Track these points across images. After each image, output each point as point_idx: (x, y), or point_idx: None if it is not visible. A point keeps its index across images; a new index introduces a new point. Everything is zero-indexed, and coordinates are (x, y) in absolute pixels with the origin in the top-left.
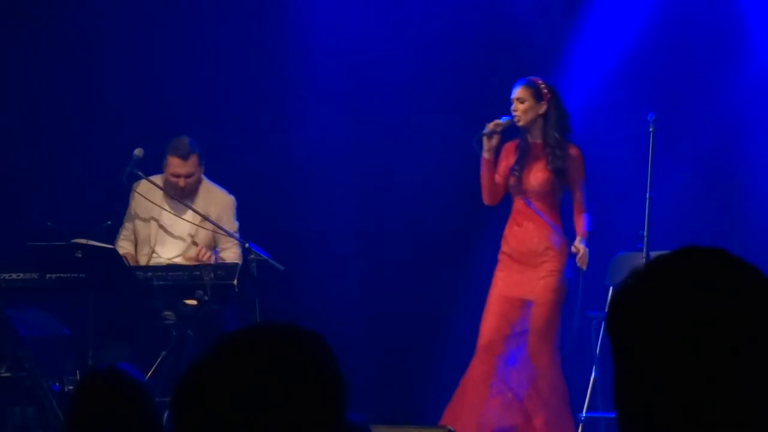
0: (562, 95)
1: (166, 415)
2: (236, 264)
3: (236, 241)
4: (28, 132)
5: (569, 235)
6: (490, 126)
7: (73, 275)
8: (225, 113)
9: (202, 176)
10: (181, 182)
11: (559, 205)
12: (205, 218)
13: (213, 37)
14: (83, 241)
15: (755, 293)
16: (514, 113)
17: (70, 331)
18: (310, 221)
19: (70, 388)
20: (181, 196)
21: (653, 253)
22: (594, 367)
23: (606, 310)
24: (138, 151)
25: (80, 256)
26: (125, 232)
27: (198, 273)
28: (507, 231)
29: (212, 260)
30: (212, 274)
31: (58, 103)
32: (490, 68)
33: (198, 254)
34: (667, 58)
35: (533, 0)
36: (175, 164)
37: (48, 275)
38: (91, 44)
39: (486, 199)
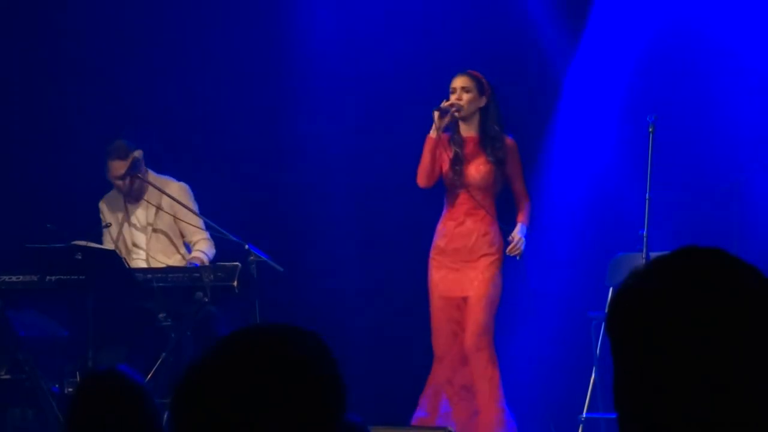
0: (564, 95)
1: (165, 416)
2: (236, 265)
3: (202, 228)
4: (27, 134)
5: (510, 227)
6: (446, 104)
7: (72, 277)
8: (226, 114)
9: (149, 170)
10: (124, 184)
11: (497, 199)
12: (159, 208)
13: (214, 38)
14: (83, 243)
15: (754, 293)
16: (457, 102)
17: (70, 332)
18: (309, 222)
19: (70, 389)
20: (133, 196)
21: (653, 254)
22: (594, 368)
23: (606, 310)
24: (137, 153)
25: (80, 258)
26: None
27: (198, 275)
28: (441, 224)
29: (205, 261)
30: (212, 276)
31: (58, 105)
32: (492, 70)
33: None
34: (667, 59)
35: (536, 3)
36: (116, 167)
37: (48, 277)
38: (91, 46)
39: (422, 181)
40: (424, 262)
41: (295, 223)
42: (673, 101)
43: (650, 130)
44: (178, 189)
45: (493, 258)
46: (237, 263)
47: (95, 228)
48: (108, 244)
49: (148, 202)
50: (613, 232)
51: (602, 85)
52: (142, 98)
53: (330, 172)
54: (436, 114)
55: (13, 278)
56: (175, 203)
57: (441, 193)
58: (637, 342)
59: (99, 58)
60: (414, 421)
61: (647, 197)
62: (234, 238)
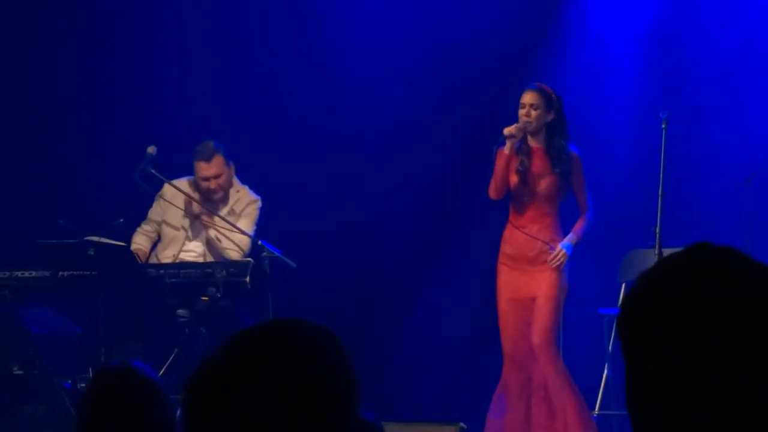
0: (573, 92)
1: (179, 411)
2: (248, 261)
3: (246, 240)
4: (40, 130)
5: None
6: (512, 130)
7: (85, 273)
8: (233, 112)
9: (235, 178)
10: (212, 184)
11: (559, 207)
12: (226, 221)
13: (216, 35)
14: (95, 238)
15: (763, 294)
16: (525, 118)
17: (82, 328)
18: (321, 218)
19: (82, 385)
20: (215, 200)
21: (666, 250)
22: (606, 365)
23: (618, 309)
24: (151, 149)
25: (92, 253)
26: (147, 229)
27: (210, 270)
28: (507, 233)
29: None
30: (224, 272)
31: (70, 101)
32: (504, 65)
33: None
34: (680, 54)
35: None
36: (200, 168)
37: (60, 273)
38: (105, 41)
39: (494, 193)
40: (441, 257)
41: (308, 219)
42: (686, 96)
43: (663, 126)
44: (247, 202)
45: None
46: (249, 259)
47: (108, 223)
48: (149, 224)
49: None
50: (625, 228)
51: (615, 80)
52: (155, 94)
53: (340, 167)
54: (508, 140)
55: (26, 274)
56: (243, 213)
57: (452, 189)
58: (647, 341)
59: (113, 54)
60: (487, 423)
61: (660, 193)
62: (248, 234)
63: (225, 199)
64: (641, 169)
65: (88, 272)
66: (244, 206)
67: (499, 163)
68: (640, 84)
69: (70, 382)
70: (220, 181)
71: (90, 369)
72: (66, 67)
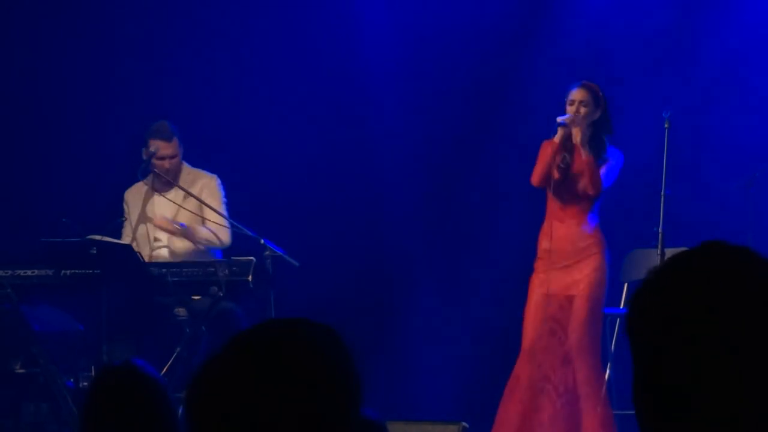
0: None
1: (180, 410)
2: (250, 260)
3: (224, 222)
4: (43, 128)
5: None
6: (566, 119)
7: (87, 271)
8: (233, 112)
9: (183, 162)
10: (167, 164)
11: (597, 201)
12: (189, 194)
13: (217, 34)
14: (98, 237)
15: None
16: (576, 114)
17: (85, 327)
18: (323, 216)
19: (85, 383)
20: (166, 182)
21: (668, 250)
22: (609, 364)
23: (627, 306)
24: (153, 147)
25: (95, 252)
26: (126, 240)
27: (212, 269)
28: (546, 227)
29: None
30: (227, 270)
31: (73, 100)
32: (507, 61)
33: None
34: (683, 53)
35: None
36: (159, 146)
37: (63, 271)
38: (108, 40)
39: (538, 181)
40: (445, 255)
41: (310, 217)
42: (689, 95)
43: (666, 125)
44: (207, 181)
45: (599, 259)
46: (252, 258)
47: (111, 222)
48: (126, 237)
49: (171, 201)
50: (627, 228)
51: (617, 79)
52: (157, 93)
53: (341, 167)
54: (560, 129)
55: (28, 272)
56: (203, 193)
57: (454, 188)
58: (656, 340)
59: (115, 52)
60: (497, 419)
61: (663, 192)
62: (250, 233)
63: (176, 179)
64: (644, 169)
65: (91, 271)
66: (201, 187)
67: (548, 152)
68: (642, 83)
69: (72, 380)
70: (174, 161)
71: (92, 367)
72: (69, 65)
